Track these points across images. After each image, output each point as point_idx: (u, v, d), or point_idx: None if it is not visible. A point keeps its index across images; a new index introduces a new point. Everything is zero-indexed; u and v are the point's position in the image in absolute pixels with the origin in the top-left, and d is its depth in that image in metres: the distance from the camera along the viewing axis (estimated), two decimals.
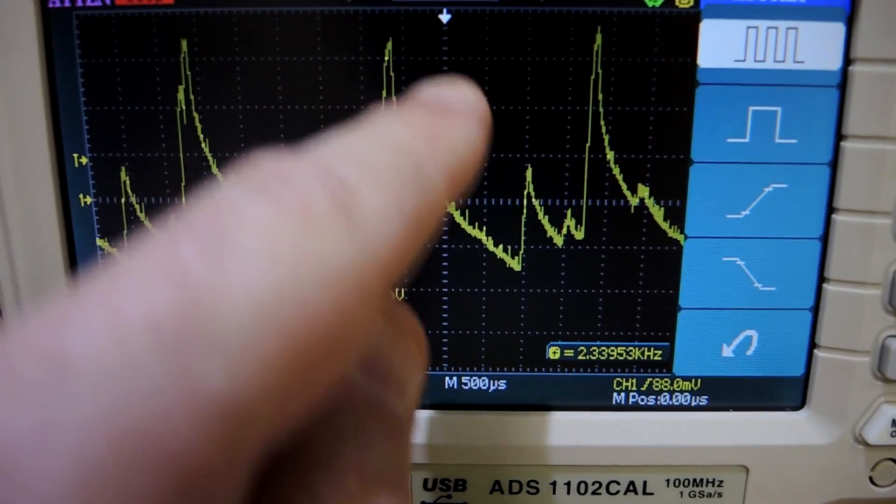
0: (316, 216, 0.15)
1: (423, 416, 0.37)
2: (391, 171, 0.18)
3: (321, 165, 0.17)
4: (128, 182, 0.35)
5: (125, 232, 0.35)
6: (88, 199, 0.35)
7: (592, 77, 0.33)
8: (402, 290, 0.35)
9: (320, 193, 0.16)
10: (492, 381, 0.37)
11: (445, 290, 0.35)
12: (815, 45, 0.33)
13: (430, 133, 0.20)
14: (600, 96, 0.33)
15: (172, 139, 0.34)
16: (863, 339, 0.35)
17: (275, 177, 0.16)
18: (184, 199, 0.35)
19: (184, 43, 0.33)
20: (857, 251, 0.34)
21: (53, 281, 0.35)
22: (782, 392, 0.37)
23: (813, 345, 0.36)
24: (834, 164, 0.34)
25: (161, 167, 0.34)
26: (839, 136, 0.33)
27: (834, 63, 0.33)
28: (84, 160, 0.34)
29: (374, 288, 0.16)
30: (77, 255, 0.35)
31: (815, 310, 0.35)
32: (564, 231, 0.35)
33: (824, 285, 0.35)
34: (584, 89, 0.33)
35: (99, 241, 0.35)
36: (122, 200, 0.35)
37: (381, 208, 0.17)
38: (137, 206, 0.35)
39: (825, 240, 0.34)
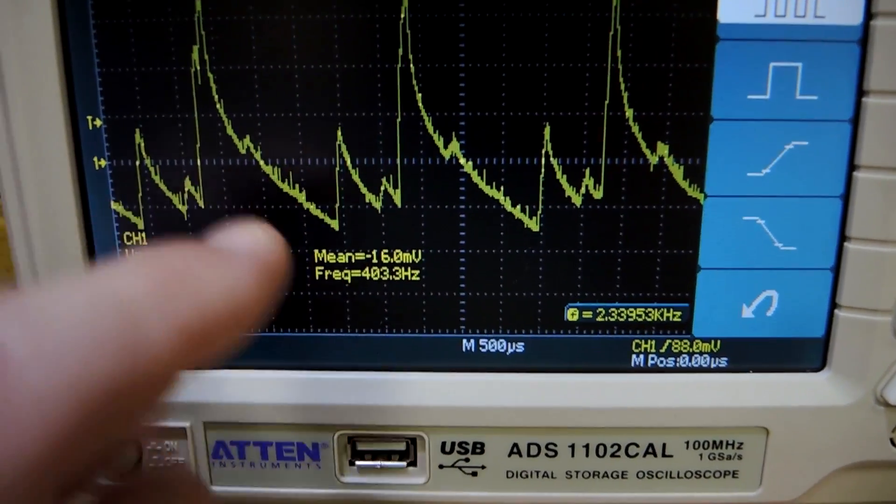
0: None
1: (440, 378, 0.36)
2: (78, 334, 0.16)
3: None
4: (142, 144, 0.34)
5: (140, 195, 0.35)
6: (103, 162, 0.34)
7: (611, 33, 0.33)
8: (420, 251, 0.35)
9: None
10: (510, 344, 0.37)
11: (463, 251, 0.35)
12: (835, 0, 0.32)
13: (167, 281, 0.17)
14: (619, 53, 0.33)
15: (187, 100, 0.34)
16: (884, 298, 0.34)
17: None
18: (198, 160, 0.34)
19: (197, 2, 0.33)
20: (879, 209, 0.33)
21: (68, 244, 0.35)
22: (802, 353, 0.36)
23: (833, 305, 0.35)
24: (855, 121, 0.33)
25: (175, 129, 0.34)
26: (860, 93, 0.33)
27: (855, 18, 0.32)
28: (98, 122, 0.34)
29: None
30: (91, 218, 0.35)
31: (836, 269, 0.35)
32: (583, 190, 0.34)
33: (845, 244, 0.34)
34: (603, 46, 0.33)
35: (113, 205, 0.35)
36: (137, 163, 0.34)
37: (42, 388, 0.15)
38: (152, 169, 0.34)
39: (846, 198, 0.34)
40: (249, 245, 0.21)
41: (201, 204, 0.35)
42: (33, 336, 0.15)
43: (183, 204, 0.35)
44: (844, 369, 0.36)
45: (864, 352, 0.35)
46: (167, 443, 0.37)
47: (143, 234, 0.35)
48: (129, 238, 0.35)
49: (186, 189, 0.35)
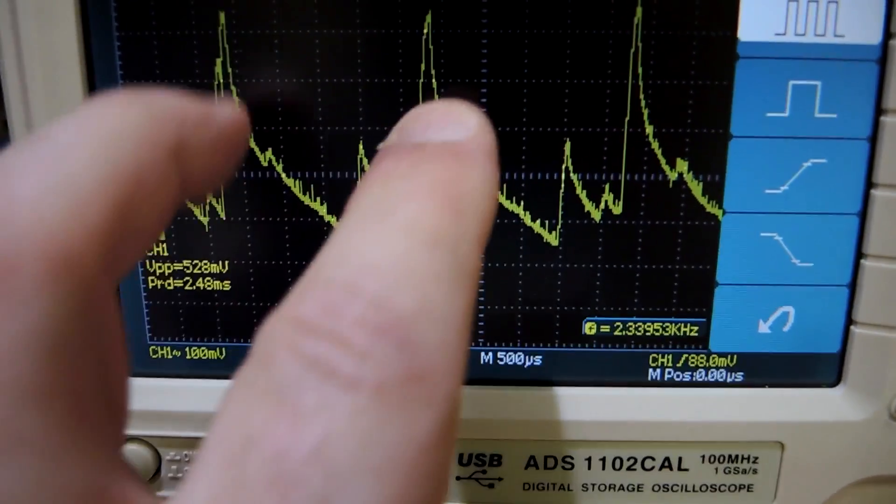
0: (393, 392, 0.15)
1: None
2: (437, 278, 0.17)
3: (372, 302, 0.16)
4: None
5: None
6: None
7: (632, 50, 0.33)
8: None
9: (387, 356, 0.15)
10: (528, 357, 0.37)
11: (483, 264, 0.35)
12: (855, 19, 0.32)
13: (452, 201, 0.18)
14: (640, 70, 0.33)
15: None
16: None
17: (332, 342, 0.15)
18: None
19: (221, 15, 0.33)
20: None
21: None
22: (818, 368, 0.36)
23: (849, 321, 0.36)
24: (873, 139, 0.33)
25: None
26: (878, 111, 0.33)
27: (874, 37, 0.32)
28: None
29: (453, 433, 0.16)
30: None
31: (853, 286, 0.35)
32: (602, 206, 0.35)
33: (862, 261, 0.35)
34: (624, 62, 0.33)
35: None
36: None
37: (444, 341, 0.16)
38: None
39: (863, 215, 0.34)
40: (474, 130, 0.21)
41: (223, 216, 0.35)
42: None
43: (204, 216, 0.35)
44: (859, 385, 0.36)
45: (879, 368, 0.35)
46: (186, 453, 0.37)
47: (164, 245, 0.35)
48: (150, 249, 0.35)
49: (208, 200, 0.35)
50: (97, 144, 0.18)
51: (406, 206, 0.18)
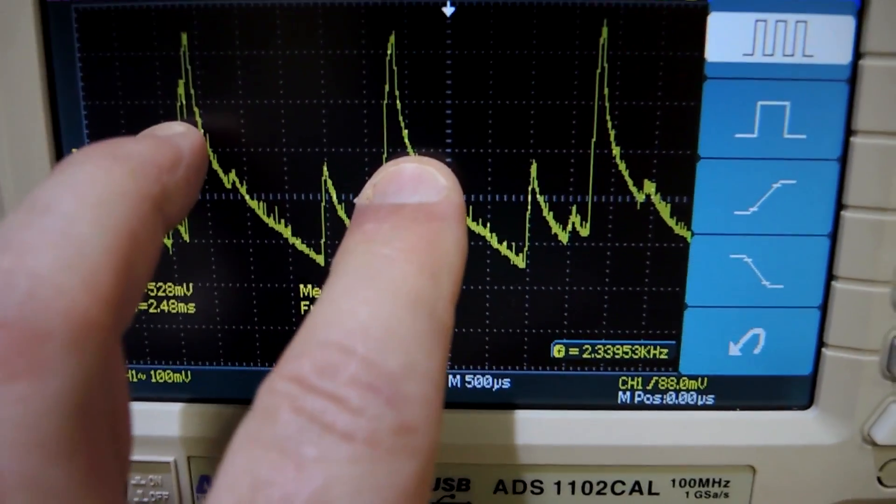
0: (384, 443, 0.17)
1: None
2: (419, 339, 0.19)
3: (363, 362, 0.18)
4: None
5: None
6: None
7: (598, 71, 0.33)
8: None
9: (378, 412, 0.17)
10: (496, 380, 0.36)
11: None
12: (824, 39, 0.32)
13: (429, 265, 0.21)
14: (606, 91, 0.33)
15: None
16: (871, 337, 0.34)
17: (329, 399, 0.17)
18: None
19: (184, 36, 0.32)
20: (867, 249, 0.33)
21: None
22: (790, 391, 0.36)
23: (821, 343, 0.35)
24: (843, 160, 0.33)
25: None
26: (849, 132, 0.33)
27: (844, 57, 0.32)
28: None
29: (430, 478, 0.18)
30: None
31: (824, 308, 0.35)
32: (569, 228, 0.34)
33: (833, 283, 0.34)
34: (590, 83, 0.33)
35: None
36: None
37: (426, 397, 0.18)
38: None
39: (834, 237, 0.34)
40: (445, 189, 0.24)
41: (186, 238, 0.35)
42: None
43: (168, 238, 0.35)
44: (832, 408, 0.36)
45: (851, 390, 0.35)
46: (151, 477, 0.37)
47: None
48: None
49: None
50: (96, 213, 0.20)
51: (389, 271, 0.20)
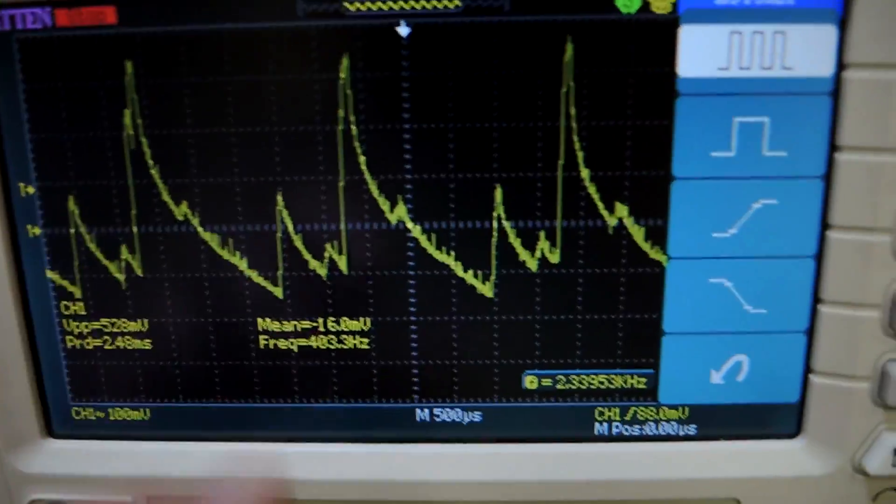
0: None
1: (394, 450, 0.35)
2: None
3: None
4: (76, 211, 0.33)
5: (76, 263, 0.33)
6: (37, 230, 0.33)
7: (564, 90, 0.31)
8: (368, 319, 0.34)
9: None
10: (466, 413, 0.35)
11: (414, 318, 0.34)
12: (804, 50, 0.30)
13: None
14: (573, 111, 0.31)
15: (120, 166, 0.32)
16: (861, 363, 0.33)
17: None
18: (134, 227, 0.33)
19: (128, 64, 0.31)
20: (854, 270, 0.32)
21: (2, 315, 0.34)
22: (776, 420, 0.34)
23: (808, 370, 0.34)
24: (827, 178, 0.31)
25: (110, 195, 0.33)
26: (832, 148, 0.31)
27: (826, 69, 0.30)
28: (31, 190, 0.33)
29: None
30: (27, 288, 0.34)
31: (810, 333, 0.33)
32: (538, 254, 0.33)
33: (819, 307, 0.33)
34: (555, 103, 0.31)
35: (49, 273, 0.34)
36: (72, 230, 0.33)
37: None
38: (88, 237, 0.33)
39: (819, 258, 0.32)
40: None
41: (139, 272, 0.33)
42: None
43: (121, 272, 0.33)
44: (821, 437, 0.34)
45: (841, 418, 0.33)
46: None
47: (81, 304, 0.34)
48: (67, 307, 0.34)
49: (123, 257, 0.33)
50: None
51: None
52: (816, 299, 0.33)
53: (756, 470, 0.34)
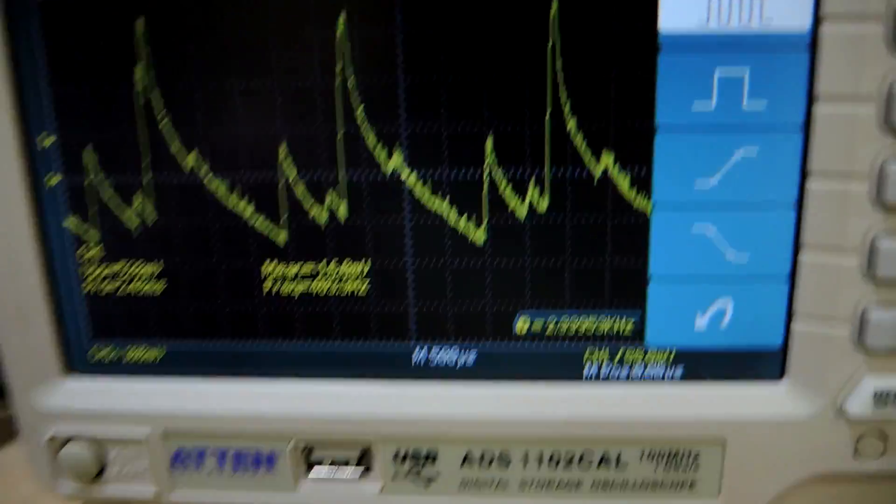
0: None
1: (392, 389, 0.37)
2: None
3: None
4: (93, 161, 0.35)
5: (93, 210, 0.35)
6: (56, 179, 0.35)
7: (550, 44, 0.32)
8: (367, 263, 0.35)
9: None
10: (461, 353, 0.37)
11: (410, 263, 0.35)
12: (783, 4, 0.31)
13: None
14: (559, 63, 0.32)
15: (133, 117, 0.34)
16: (841, 308, 0.34)
17: None
18: (148, 176, 0.35)
19: (140, 20, 0.33)
20: (833, 217, 0.33)
21: (24, 262, 0.36)
22: (760, 363, 0.36)
23: (790, 314, 0.35)
24: (806, 127, 0.32)
25: (125, 145, 0.35)
26: (811, 98, 0.32)
27: (803, 22, 0.31)
28: (49, 140, 0.35)
29: None
30: (47, 235, 0.36)
31: (792, 278, 0.34)
32: (528, 202, 0.34)
33: (800, 253, 0.34)
34: (542, 55, 0.32)
35: (68, 221, 0.36)
36: (89, 179, 0.35)
37: None
38: (104, 185, 0.35)
39: (799, 206, 0.33)
40: None
41: (153, 218, 0.35)
42: None
43: (136, 218, 0.35)
44: (804, 380, 0.35)
45: (823, 362, 0.34)
46: (127, 452, 0.38)
47: (98, 248, 0.36)
48: (84, 252, 0.36)
49: (137, 204, 0.35)
50: None
51: None
52: (797, 246, 0.34)
53: (742, 411, 0.35)
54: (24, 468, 0.42)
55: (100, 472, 0.38)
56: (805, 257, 0.34)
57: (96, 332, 0.38)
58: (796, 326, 0.35)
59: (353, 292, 0.36)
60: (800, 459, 0.36)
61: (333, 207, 0.35)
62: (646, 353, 0.36)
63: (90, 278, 0.37)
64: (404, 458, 0.37)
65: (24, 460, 0.40)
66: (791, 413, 0.35)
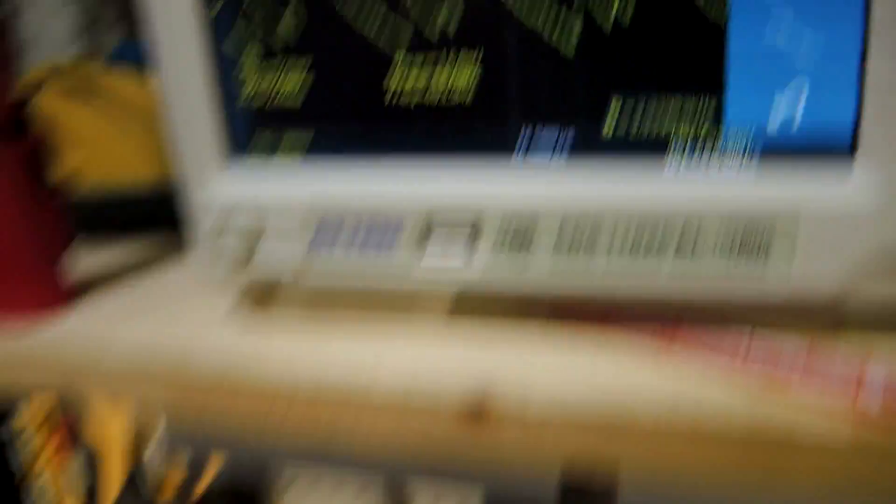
0: None
1: (495, 171, 0.42)
2: None
3: None
4: None
5: (258, 17, 0.43)
6: None
7: None
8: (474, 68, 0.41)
9: None
10: (561, 133, 0.41)
11: (515, 55, 0.40)
12: None
13: None
14: None
15: None
16: None
17: None
18: None
19: None
20: None
21: (191, 58, 0.44)
22: (834, 139, 0.38)
23: (862, 91, 0.36)
24: None
25: None
26: None
27: None
28: None
29: None
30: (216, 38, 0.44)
31: (863, 56, 0.36)
32: None
33: (869, 29, 0.36)
34: None
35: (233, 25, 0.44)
36: None
37: None
38: None
39: None
40: None
41: (304, 21, 0.43)
42: None
43: (291, 18, 0.43)
44: (876, 155, 0.37)
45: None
46: (277, 233, 0.45)
47: (259, 46, 0.44)
48: (247, 55, 0.44)
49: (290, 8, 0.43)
50: None
51: None
52: (867, 23, 0.36)
53: (815, 187, 0.38)
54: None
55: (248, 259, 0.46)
56: (874, 34, 0.36)
57: (255, 123, 0.45)
58: (868, 99, 0.36)
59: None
60: (873, 236, 0.38)
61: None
62: (726, 132, 0.39)
63: (248, 70, 0.44)
64: (506, 234, 0.42)
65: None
66: (864, 188, 0.37)
